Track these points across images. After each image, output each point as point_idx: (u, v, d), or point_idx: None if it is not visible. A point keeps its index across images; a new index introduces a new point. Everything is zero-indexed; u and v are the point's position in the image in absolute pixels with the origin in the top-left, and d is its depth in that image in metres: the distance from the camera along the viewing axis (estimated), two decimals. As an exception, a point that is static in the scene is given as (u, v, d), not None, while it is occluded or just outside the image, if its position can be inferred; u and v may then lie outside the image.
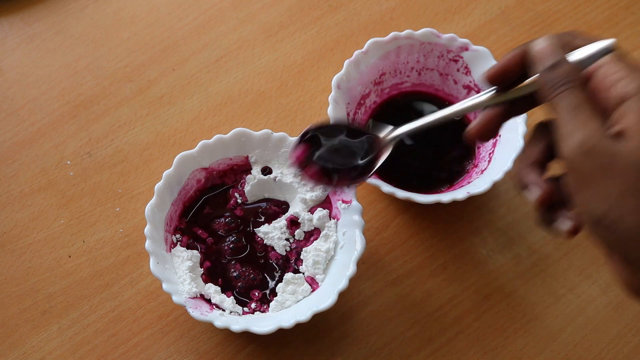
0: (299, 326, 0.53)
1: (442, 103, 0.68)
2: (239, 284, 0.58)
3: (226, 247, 0.60)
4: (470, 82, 0.65)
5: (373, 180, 0.58)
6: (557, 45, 0.39)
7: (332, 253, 0.59)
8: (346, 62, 0.63)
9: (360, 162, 0.50)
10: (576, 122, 0.36)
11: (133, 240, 0.64)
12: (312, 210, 0.61)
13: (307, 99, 0.71)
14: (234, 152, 0.61)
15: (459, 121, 0.65)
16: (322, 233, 0.59)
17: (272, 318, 0.56)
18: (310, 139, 0.51)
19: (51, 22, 0.76)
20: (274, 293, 0.58)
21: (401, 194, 0.58)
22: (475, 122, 0.44)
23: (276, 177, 0.61)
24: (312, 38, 0.75)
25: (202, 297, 0.57)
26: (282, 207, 0.62)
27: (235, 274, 0.58)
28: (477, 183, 0.60)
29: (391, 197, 0.64)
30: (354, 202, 0.58)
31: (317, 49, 0.74)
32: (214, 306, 0.57)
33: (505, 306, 0.61)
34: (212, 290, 0.57)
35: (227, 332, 0.59)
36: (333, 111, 0.61)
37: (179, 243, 0.59)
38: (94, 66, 0.73)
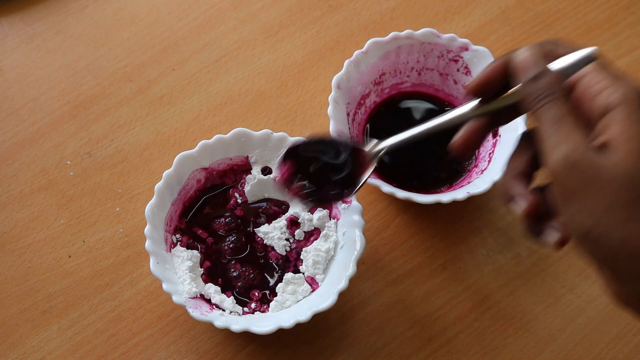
0: (299, 326, 0.53)
1: (442, 103, 0.68)
2: (239, 283, 0.58)
3: (226, 247, 0.60)
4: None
5: (373, 180, 0.58)
6: (539, 55, 0.39)
7: (332, 253, 0.59)
8: (346, 62, 0.63)
9: (346, 177, 0.50)
10: (560, 134, 0.36)
11: (133, 240, 0.64)
12: (312, 211, 0.61)
13: (307, 99, 0.71)
14: (234, 152, 0.61)
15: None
16: (322, 233, 0.59)
17: (272, 318, 0.56)
18: (295, 156, 0.50)
19: (51, 22, 0.76)
20: (274, 293, 0.58)
21: (401, 194, 0.58)
22: (458, 135, 0.43)
23: (276, 177, 0.61)
24: (312, 38, 0.75)
25: (202, 297, 0.57)
26: (282, 207, 0.62)
27: (235, 274, 0.58)
28: (477, 183, 0.60)
29: (391, 197, 0.64)
30: (354, 202, 0.58)
31: (317, 49, 0.74)
32: (214, 306, 0.57)
33: (505, 306, 0.61)
34: (212, 290, 0.57)
35: (227, 332, 0.59)
36: (333, 111, 0.61)
37: (179, 243, 0.59)
38: (94, 66, 0.73)
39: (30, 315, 0.61)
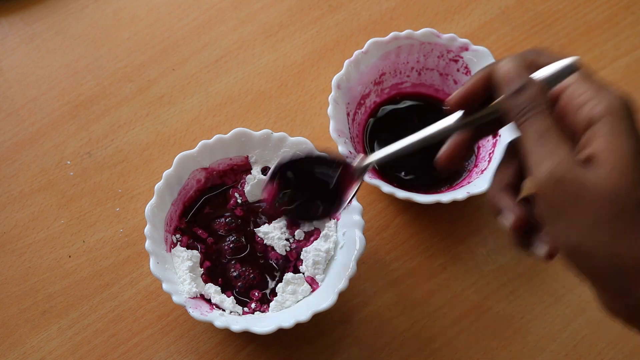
0: (299, 326, 0.53)
1: (442, 103, 0.68)
2: (239, 283, 0.58)
3: (226, 247, 0.60)
4: (470, 82, 0.65)
5: (373, 180, 0.58)
6: (521, 67, 0.38)
7: (332, 253, 0.59)
8: (346, 62, 0.63)
9: (333, 193, 0.49)
10: (544, 150, 0.35)
11: (133, 240, 0.64)
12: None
13: (307, 99, 0.71)
14: (234, 152, 0.61)
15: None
16: (322, 233, 0.59)
17: (272, 318, 0.56)
18: (281, 176, 0.50)
19: (51, 22, 0.76)
20: (274, 293, 0.58)
21: (401, 194, 0.58)
22: (444, 149, 0.43)
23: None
24: (312, 38, 0.75)
25: (202, 297, 0.57)
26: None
27: (235, 274, 0.58)
28: (477, 183, 0.60)
29: (391, 197, 0.64)
30: (354, 202, 0.58)
31: (317, 49, 0.74)
32: (214, 306, 0.57)
33: (505, 306, 0.61)
34: (212, 290, 0.57)
35: (227, 332, 0.59)
36: (333, 111, 0.61)
37: (179, 243, 0.59)
38: (94, 66, 0.73)
39: (30, 315, 0.61)
